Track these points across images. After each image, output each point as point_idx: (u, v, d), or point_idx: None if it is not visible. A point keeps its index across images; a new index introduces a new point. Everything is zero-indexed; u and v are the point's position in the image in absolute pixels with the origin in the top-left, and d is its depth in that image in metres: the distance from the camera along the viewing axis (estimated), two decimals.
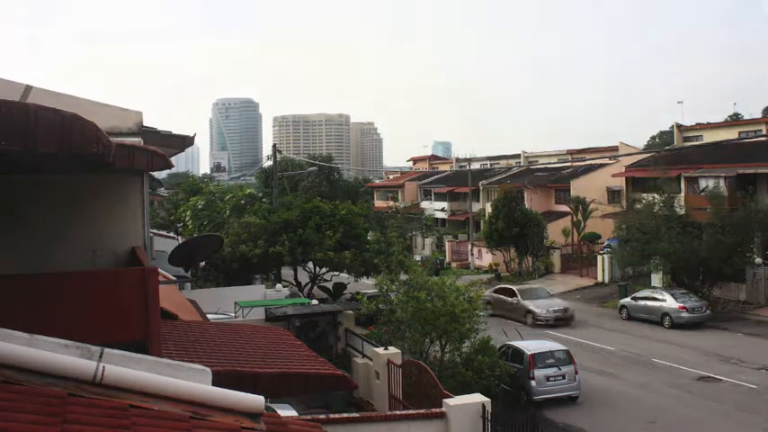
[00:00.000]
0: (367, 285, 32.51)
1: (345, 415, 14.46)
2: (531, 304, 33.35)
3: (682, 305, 31.00)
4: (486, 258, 53.00)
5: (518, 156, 76.59)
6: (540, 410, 19.52)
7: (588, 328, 31.65)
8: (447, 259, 57.27)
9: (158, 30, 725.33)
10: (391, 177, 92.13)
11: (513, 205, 47.07)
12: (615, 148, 60.99)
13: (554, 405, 20.65)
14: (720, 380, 22.73)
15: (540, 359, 21.31)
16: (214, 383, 4.10)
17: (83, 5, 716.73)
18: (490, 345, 20.76)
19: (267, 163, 58.73)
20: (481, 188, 63.38)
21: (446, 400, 14.34)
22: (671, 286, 34.63)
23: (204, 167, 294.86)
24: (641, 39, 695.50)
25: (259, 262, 31.35)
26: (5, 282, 6.36)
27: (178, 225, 48.50)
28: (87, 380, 3.66)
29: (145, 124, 9.06)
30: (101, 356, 3.83)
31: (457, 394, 15.29)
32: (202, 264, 24.08)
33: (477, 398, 14.68)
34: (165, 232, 38.36)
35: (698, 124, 55.30)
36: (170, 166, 7.65)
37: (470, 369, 19.24)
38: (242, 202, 45.23)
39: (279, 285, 29.08)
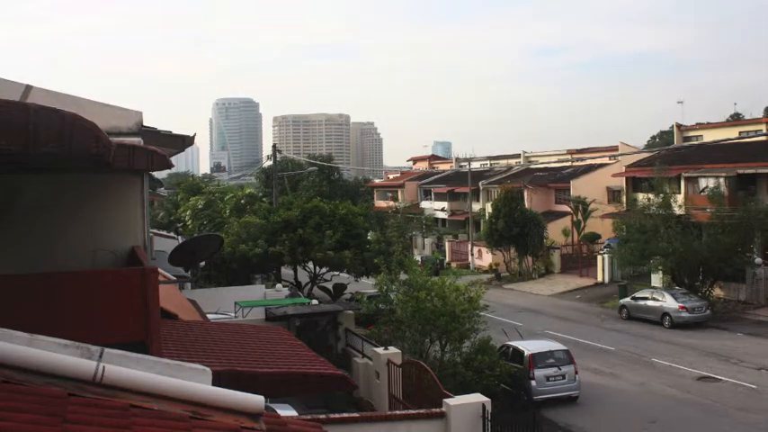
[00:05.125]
0: (367, 285, 32.51)
1: (345, 415, 14.45)
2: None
3: (682, 305, 30.99)
4: (486, 258, 53.00)
5: (518, 156, 76.58)
6: (540, 410, 19.51)
7: (588, 328, 31.65)
8: (447, 259, 57.25)
9: (159, 28, 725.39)
10: (391, 177, 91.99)
11: (513, 205, 47.05)
12: (615, 148, 61.00)
13: (554, 405, 20.65)
14: (720, 380, 22.73)
15: (540, 359, 21.31)
16: (214, 383, 4.10)
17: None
18: (490, 345, 20.77)
19: (267, 163, 58.76)
20: (481, 188, 63.38)
21: (446, 400, 14.33)
22: (671, 286, 34.60)
23: (204, 167, 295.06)
24: (641, 38, 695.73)
25: (259, 262, 31.33)
26: (5, 281, 6.36)
27: (178, 225, 48.47)
28: (87, 380, 3.65)
29: (145, 124, 9.05)
30: (101, 356, 3.82)
31: (457, 394, 15.28)
32: (202, 264, 24.09)
33: (477, 398, 14.67)
34: (165, 232, 38.31)
35: (698, 124, 55.35)
36: (170, 166, 7.63)
37: (470, 369, 19.25)
38: (242, 201, 45.24)
39: (279, 285, 29.06)
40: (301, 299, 27.06)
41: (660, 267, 35.48)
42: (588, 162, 61.56)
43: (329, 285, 33.13)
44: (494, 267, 50.35)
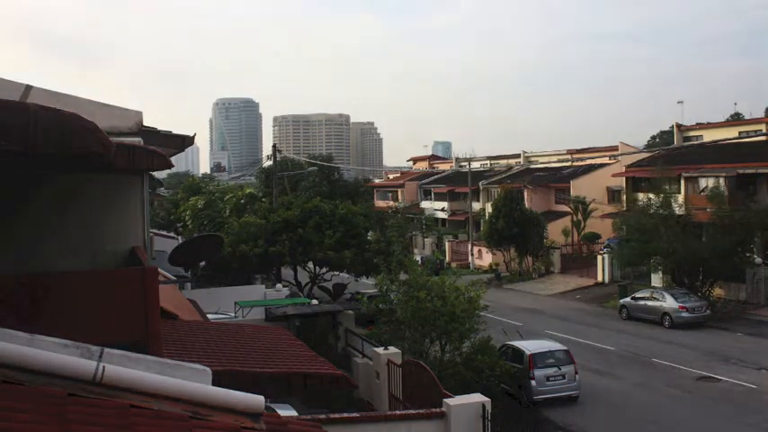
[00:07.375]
0: (367, 285, 32.49)
1: (345, 415, 14.44)
2: None
3: (682, 305, 30.99)
4: (486, 258, 53.01)
5: (518, 156, 76.59)
6: (539, 410, 19.53)
7: (588, 328, 31.65)
8: (447, 259, 57.25)
9: (160, 28, 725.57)
10: (391, 177, 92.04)
11: (514, 205, 47.10)
12: (615, 148, 61.02)
13: (554, 405, 20.64)
14: (720, 380, 22.73)
15: (540, 359, 21.31)
16: (214, 383, 4.10)
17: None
18: (490, 345, 20.76)
19: (267, 163, 58.78)
20: (481, 188, 63.40)
21: (446, 400, 14.32)
22: (671, 286, 34.61)
23: (204, 167, 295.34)
24: (641, 38, 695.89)
25: (259, 262, 31.32)
26: (4, 281, 6.35)
27: (178, 225, 48.48)
28: (87, 380, 3.66)
29: (145, 124, 9.05)
30: (101, 356, 3.82)
31: (457, 394, 15.27)
32: (202, 264, 24.12)
33: (477, 398, 14.66)
34: (165, 232, 38.32)
35: (698, 124, 55.28)
36: (170, 166, 7.61)
37: (470, 369, 19.24)
38: (242, 201, 45.27)
39: (279, 285, 29.05)
40: (301, 299, 27.05)
41: (660, 267, 35.49)
42: (588, 162, 61.61)
43: (329, 285, 33.12)
44: (494, 267, 50.36)
